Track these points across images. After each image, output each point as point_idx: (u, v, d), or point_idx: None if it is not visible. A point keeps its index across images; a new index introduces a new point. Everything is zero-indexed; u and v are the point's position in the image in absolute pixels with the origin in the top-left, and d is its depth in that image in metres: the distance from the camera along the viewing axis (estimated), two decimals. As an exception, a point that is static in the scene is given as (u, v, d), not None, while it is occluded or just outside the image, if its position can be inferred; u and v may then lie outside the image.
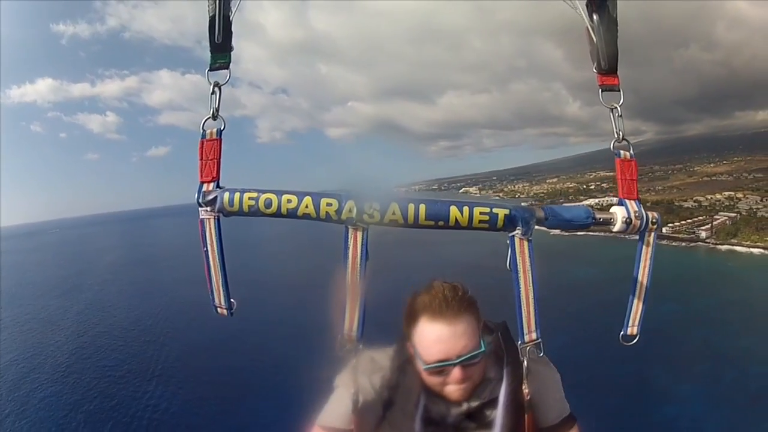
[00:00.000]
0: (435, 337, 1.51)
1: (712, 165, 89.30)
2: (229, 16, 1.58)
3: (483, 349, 1.52)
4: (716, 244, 71.21)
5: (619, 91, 1.66)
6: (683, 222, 73.69)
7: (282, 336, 38.52)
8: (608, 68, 1.64)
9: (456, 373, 1.51)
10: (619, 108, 1.66)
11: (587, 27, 1.65)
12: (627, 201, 1.61)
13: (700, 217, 75.47)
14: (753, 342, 40.31)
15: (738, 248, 70.90)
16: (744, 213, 76.76)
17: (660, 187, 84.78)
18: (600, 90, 1.65)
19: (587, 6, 1.64)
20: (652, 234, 1.62)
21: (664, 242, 68.30)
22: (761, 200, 79.59)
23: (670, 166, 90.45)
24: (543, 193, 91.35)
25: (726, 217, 75.07)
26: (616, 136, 1.65)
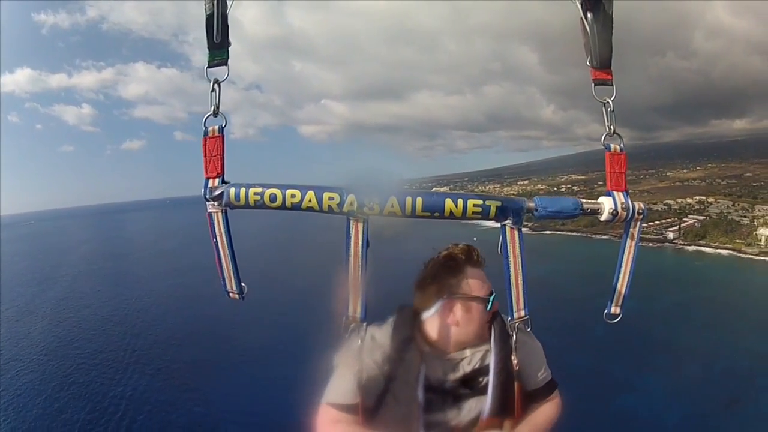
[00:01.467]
0: (484, 277, 1.81)
1: (685, 171, 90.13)
2: (226, 13, 1.62)
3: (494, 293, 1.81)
4: (683, 244, 72.38)
5: (612, 85, 1.69)
6: (651, 223, 74.42)
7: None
8: (602, 63, 1.68)
9: (496, 304, 1.79)
10: (611, 102, 1.69)
11: (581, 19, 1.68)
12: (615, 192, 1.68)
13: (669, 219, 76.38)
14: (716, 337, 40.96)
15: (705, 249, 71.83)
16: (714, 216, 77.68)
17: (630, 191, 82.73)
18: (593, 84, 1.69)
19: (582, 4, 1.67)
20: (638, 224, 1.70)
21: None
22: (733, 205, 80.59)
23: (642, 171, 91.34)
24: (513, 194, 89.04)
25: (695, 220, 76.13)
26: (607, 129, 1.70)
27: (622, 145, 1.71)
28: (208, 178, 1.63)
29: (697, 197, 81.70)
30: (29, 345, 41.31)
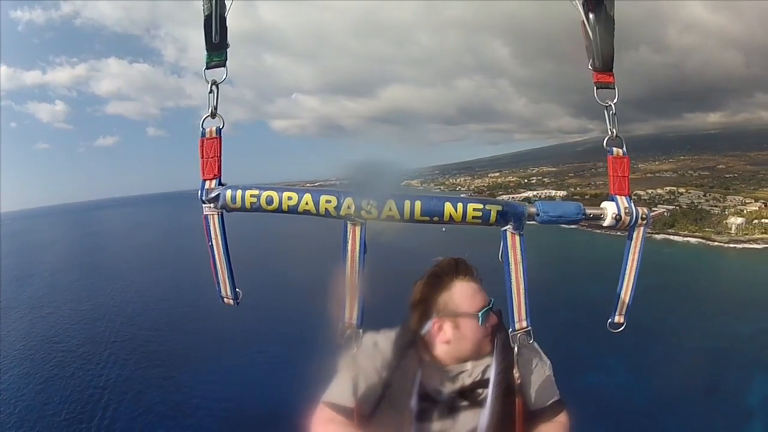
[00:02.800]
0: (474, 290, 1.74)
1: (657, 163, 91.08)
2: (224, 14, 1.60)
3: (492, 300, 1.76)
4: (651, 233, 72.69)
5: (615, 89, 1.67)
6: None
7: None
8: (604, 65, 1.65)
9: (492, 317, 1.74)
10: (613, 105, 1.67)
11: (583, 22, 1.66)
12: (618, 197, 1.65)
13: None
14: (680, 320, 41.43)
15: (674, 237, 72.54)
16: (684, 206, 78.64)
17: (600, 182, 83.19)
18: (595, 87, 1.67)
19: (584, 1, 1.64)
20: (641, 229, 1.66)
21: (598, 231, 69.58)
22: (704, 195, 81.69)
23: None
24: (484, 186, 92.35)
25: (664, 209, 77.03)
26: (609, 133, 1.67)
27: (625, 148, 1.68)
28: (204, 180, 1.60)
29: (668, 188, 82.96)
30: (12, 341, 41.90)
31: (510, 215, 1.58)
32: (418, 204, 1.55)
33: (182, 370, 34.68)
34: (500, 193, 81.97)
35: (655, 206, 77.64)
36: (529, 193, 77.65)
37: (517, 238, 1.60)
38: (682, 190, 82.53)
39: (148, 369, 35.54)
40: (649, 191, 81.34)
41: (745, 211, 76.90)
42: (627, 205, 1.63)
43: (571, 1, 1.67)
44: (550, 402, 1.76)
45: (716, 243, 72.00)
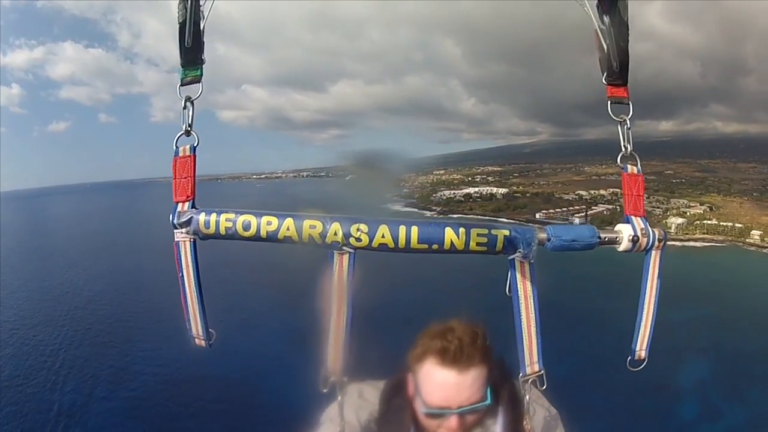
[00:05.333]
0: (440, 383, 1.48)
1: (603, 166, 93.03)
2: (199, 24, 1.49)
3: (488, 401, 1.51)
4: (589, 228, 74.53)
5: (629, 104, 1.61)
6: (557, 210, 76.41)
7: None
8: (618, 79, 1.59)
9: (453, 421, 1.48)
10: (628, 121, 1.60)
11: (596, 31, 1.57)
12: (633, 218, 1.58)
13: (577, 207, 78.80)
14: (611, 306, 42.66)
15: (611, 234, 74.13)
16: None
17: (543, 182, 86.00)
18: (608, 102, 1.60)
19: (598, 8, 1.56)
20: (659, 252, 1.58)
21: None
22: (648, 198, 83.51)
23: (560, 166, 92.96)
24: (428, 183, 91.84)
25: (605, 208, 78.83)
26: (623, 149, 1.61)
27: (639, 165, 1.60)
28: (177, 203, 1.49)
29: (611, 189, 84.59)
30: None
31: (519, 241, 1.47)
32: (414, 230, 1.43)
33: (126, 343, 38.44)
34: (442, 189, 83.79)
35: (596, 205, 79.67)
36: (471, 190, 78.82)
37: (527, 266, 1.49)
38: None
39: (95, 342, 38.85)
40: (592, 192, 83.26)
41: (688, 213, 79.20)
42: (643, 227, 1.56)
43: (581, 6, 1.57)
44: None
45: (654, 240, 73.76)
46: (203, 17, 1.50)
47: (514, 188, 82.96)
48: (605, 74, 1.59)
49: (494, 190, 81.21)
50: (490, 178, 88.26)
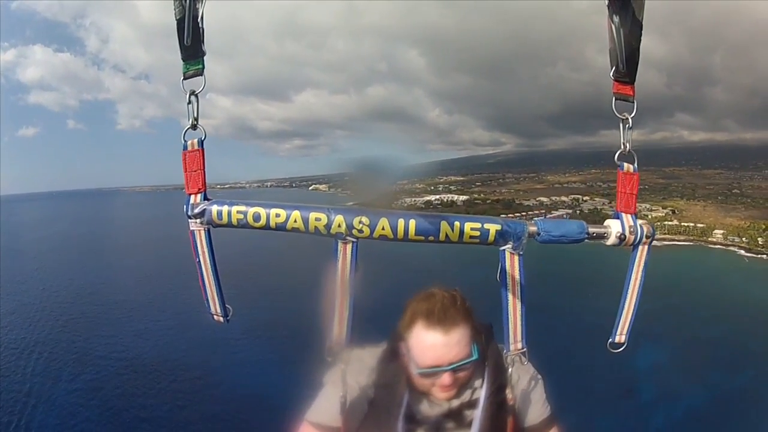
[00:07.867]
0: (430, 344, 1.61)
1: (566, 175, 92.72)
2: (197, 18, 1.52)
3: (475, 357, 1.63)
4: (547, 231, 75.63)
5: (634, 102, 1.62)
6: (517, 214, 76.49)
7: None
8: (626, 76, 1.60)
9: (446, 378, 1.61)
10: (630, 120, 1.62)
11: (608, 23, 1.56)
12: (623, 214, 1.63)
13: (537, 212, 79.91)
14: (565, 299, 44.81)
15: (570, 236, 75.23)
16: (586, 212, 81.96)
17: (504, 190, 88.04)
18: (614, 98, 1.62)
19: (609, 6, 1.54)
20: (646, 248, 1.64)
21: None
22: (609, 203, 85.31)
23: (523, 175, 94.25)
24: (389, 192, 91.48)
25: (564, 213, 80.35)
26: (622, 147, 1.63)
27: (636, 164, 1.65)
28: (189, 195, 1.59)
29: (573, 196, 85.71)
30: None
31: (509, 234, 1.56)
32: (412, 222, 1.52)
33: (90, 333, 42.65)
34: (404, 197, 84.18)
35: (556, 209, 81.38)
36: (432, 197, 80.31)
37: (517, 258, 1.57)
38: (587, 198, 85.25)
39: (62, 332, 42.92)
40: (553, 198, 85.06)
41: (649, 216, 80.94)
42: (632, 224, 1.61)
43: None
44: (543, 418, 1.77)
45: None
46: (200, 11, 1.53)
47: (475, 196, 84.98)
48: (613, 69, 1.61)
49: (455, 197, 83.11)
50: (452, 187, 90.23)
